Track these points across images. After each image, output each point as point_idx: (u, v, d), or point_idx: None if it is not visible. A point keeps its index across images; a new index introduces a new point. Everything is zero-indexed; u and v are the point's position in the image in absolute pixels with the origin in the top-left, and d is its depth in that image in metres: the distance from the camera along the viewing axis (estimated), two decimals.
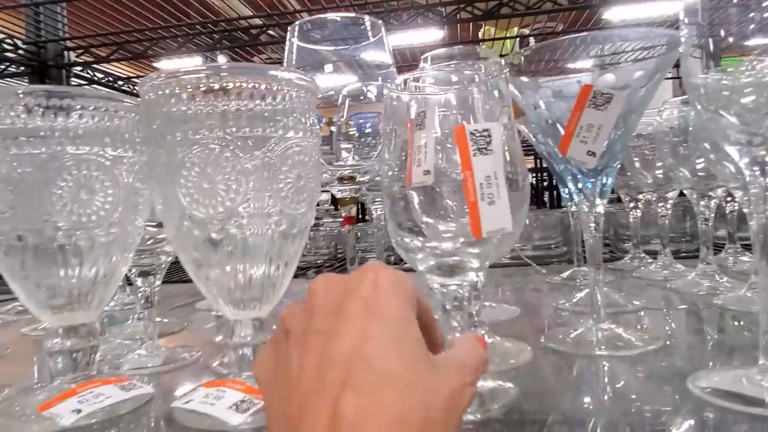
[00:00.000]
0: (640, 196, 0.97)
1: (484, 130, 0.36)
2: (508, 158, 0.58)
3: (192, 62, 1.93)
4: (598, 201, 0.53)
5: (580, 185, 0.54)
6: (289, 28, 0.60)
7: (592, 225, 0.53)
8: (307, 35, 0.60)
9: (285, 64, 0.60)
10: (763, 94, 0.41)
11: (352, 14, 0.61)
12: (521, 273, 1.02)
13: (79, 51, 1.29)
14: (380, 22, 0.61)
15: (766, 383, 0.37)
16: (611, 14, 1.63)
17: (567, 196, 0.90)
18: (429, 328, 0.28)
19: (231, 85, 0.36)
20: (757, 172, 0.40)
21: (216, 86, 0.36)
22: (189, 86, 0.36)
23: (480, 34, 1.75)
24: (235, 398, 0.38)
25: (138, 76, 1.52)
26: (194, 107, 0.36)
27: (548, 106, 0.53)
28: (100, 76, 1.43)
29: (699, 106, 0.44)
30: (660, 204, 0.89)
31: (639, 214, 0.99)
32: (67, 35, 1.31)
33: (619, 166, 0.69)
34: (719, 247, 0.94)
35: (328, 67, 0.59)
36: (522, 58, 0.53)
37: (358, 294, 0.24)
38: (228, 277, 0.38)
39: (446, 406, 0.22)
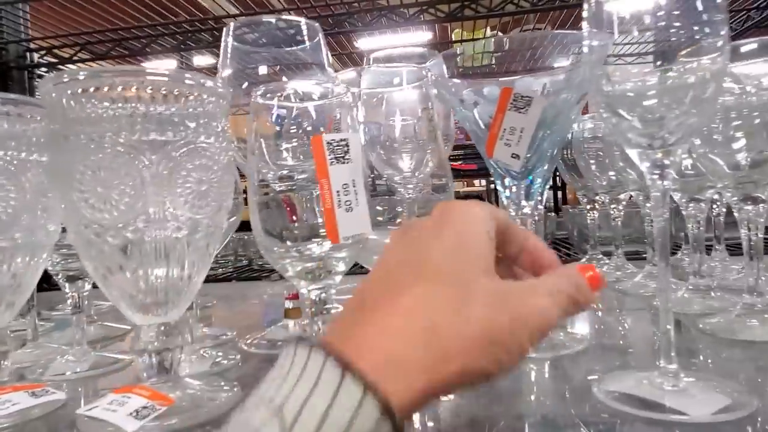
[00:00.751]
0: (597, 198, 0.97)
1: (342, 140, 0.36)
2: (434, 163, 0.59)
3: (160, 64, 1.92)
4: (524, 203, 0.53)
5: (507, 184, 0.54)
6: (224, 29, 0.59)
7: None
8: (243, 36, 0.60)
9: (219, 65, 0.60)
10: (665, 99, 0.42)
11: (289, 17, 0.60)
12: None
13: (42, 52, 1.28)
14: (317, 25, 0.61)
15: (667, 386, 0.37)
16: None
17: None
18: (524, 248, 0.29)
19: (135, 88, 0.36)
20: (656, 176, 0.40)
21: (119, 89, 0.36)
22: (90, 87, 0.36)
23: (453, 37, 1.75)
24: (138, 404, 0.38)
25: None
26: (93, 109, 0.35)
27: (474, 110, 0.53)
28: None
29: (603, 111, 0.44)
30: (612, 206, 0.90)
31: (596, 216, 0.99)
32: (30, 36, 1.29)
33: (549, 168, 0.69)
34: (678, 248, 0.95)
35: (263, 69, 0.59)
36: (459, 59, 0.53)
37: (430, 217, 0.27)
38: (129, 282, 0.38)
39: (495, 319, 0.23)
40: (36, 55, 1.30)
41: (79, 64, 1.38)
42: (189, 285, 0.40)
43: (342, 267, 0.41)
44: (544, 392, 0.42)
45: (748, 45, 0.50)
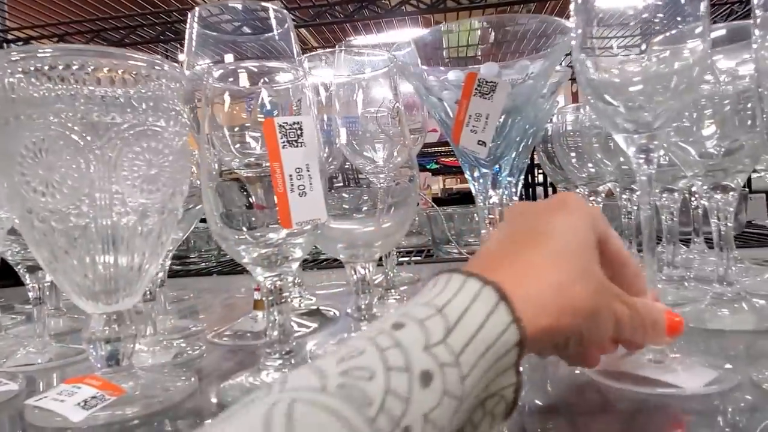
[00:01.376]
0: (577, 190, 0.96)
1: (295, 123, 0.35)
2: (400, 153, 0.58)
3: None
4: (491, 192, 0.53)
5: (476, 175, 0.53)
6: (189, 14, 0.58)
7: (489, 217, 0.53)
8: (209, 22, 0.58)
9: (185, 52, 0.58)
10: (650, 84, 0.41)
11: (257, 3, 0.59)
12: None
13: (19, 43, 1.26)
14: (286, 12, 0.60)
15: (654, 362, 0.36)
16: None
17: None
18: (620, 272, 0.32)
19: (77, 68, 0.35)
20: (642, 160, 0.40)
21: (61, 68, 0.35)
22: (33, 67, 0.35)
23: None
24: (87, 395, 0.37)
25: None
26: (34, 90, 0.34)
27: (441, 96, 0.52)
28: None
29: (590, 97, 0.44)
30: (591, 198, 0.89)
31: None
32: (6, 27, 1.27)
33: (520, 157, 0.69)
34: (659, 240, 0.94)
35: (229, 56, 0.58)
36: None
37: (553, 209, 0.31)
38: (76, 269, 0.36)
39: (595, 292, 0.28)
40: (13, 46, 1.28)
41: None
42: (140, 273, 0.39)
43: (299, 253, 0.41)
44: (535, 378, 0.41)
45: (717, 31, 0.49)
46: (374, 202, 0.58)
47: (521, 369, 0.24)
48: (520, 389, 0.24)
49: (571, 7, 0.46)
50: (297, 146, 0.37)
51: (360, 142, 0.62)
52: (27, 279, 0.54)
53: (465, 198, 2.89)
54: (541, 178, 2.39)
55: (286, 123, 0.36)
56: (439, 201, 2.23)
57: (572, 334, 0.27)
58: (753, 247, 1.07)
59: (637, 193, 0.76)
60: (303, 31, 1.73)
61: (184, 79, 0.41)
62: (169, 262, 0.63)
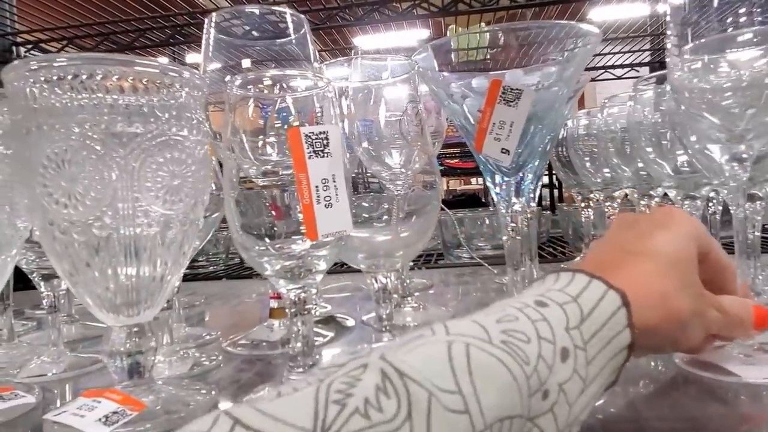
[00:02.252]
0: (592, 195, 0.95)
1: (321, 133, 0.35)
2: (421, 159, 0.57)
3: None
4: (514, 200, 0.52)
5: (498, 181, 0.52)
6: (206, 19, 0.57)
7: (511, 225, 0.52)
8: (226, 27, 0.58)
9: (202, 57, 0.58)
10: (741, 95, 0.42)
11: (273, 8, 0.58)
12: (473, 273, 1.00)
13: (29, 46, 1.26)
14: (303, 17, 0.59)
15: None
16: (595, 14, 1.62)
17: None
18: (719, 276, 0.36)
19: (101, 77, 0.34)
20: (736, 167, 0.42)
21: (84, 77, 0.34)
22: (56, 76, 0.34)
23: (448, 33, 1.73)
24: (108, 409, 0.36)
25: None
26: (57, 99, 0.34)
27: (463, 103, 0.51)
28: None
29: (683, 107, 0.44)
30: (607, 203, 0.88)
31: (591, 214, 0.98)
32: (16, 30, 1.27)
33: (541, 164, 0.68)
34: None
35: (246, 62, 0.57)
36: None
37: (656, 221, 0.34)
38: (97, 281, 0.36)
39: (698, 307, 0.31)
40: (22, 50, 1.28)
41: None
42: (162, 284, 0.38)
43: (323, 265, 0.40)
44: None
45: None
46: (400, 209, 0.57)
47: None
48: (614, 384, 0.27)
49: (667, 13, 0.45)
50: (323, 156, 0.36)
51: (377, 147, 0.61)
52: (42, 287, 0.53)
53: (470, 200, 2.88)
54: (546, 179, 2.38)
55: (312, 133, 0.35)
56: (443, 203, 2.22)
57: (668, 339, 0.30)
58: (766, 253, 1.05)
59: (655, 199, 0.75)
60: None
61: (206, 87, 0.40)
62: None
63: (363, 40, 1.80)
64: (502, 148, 0.48)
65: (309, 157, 0.35)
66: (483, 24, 1.54)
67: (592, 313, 0.25)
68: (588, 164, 0.91)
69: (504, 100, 0.46)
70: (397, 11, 1.14)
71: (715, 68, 0.44)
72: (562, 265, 0.99)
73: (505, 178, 0.52)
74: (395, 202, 0.61)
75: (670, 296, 0.29)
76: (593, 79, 1.97)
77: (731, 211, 0.52)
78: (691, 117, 0.46)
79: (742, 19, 0.45)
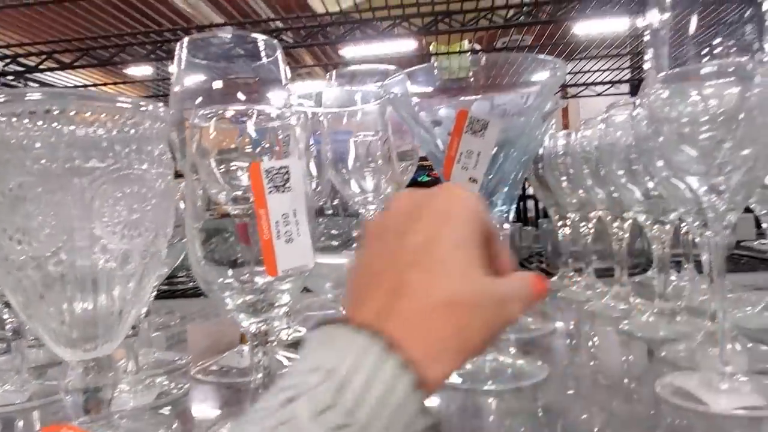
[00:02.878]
0: (569, 215, 0.96)
1: (282, 167, 0.34)
2: (389, 183, 0.57)
3: (136, 71, 1.89)
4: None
5: None
6: (178, 43, 0.57)
7: None
8: (198, 51, 0.58)
9: (173, 80, 0.57)
10: (716, 127, 0.42)
11: (247, 33, 0.58)
12: None
13: (7, 60, 1.25)
14: (276, 42, 0.59)
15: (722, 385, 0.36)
16: (580, 29, 1.64)
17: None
18: (494, 252, 0.30)
19: (59, 111, 0.34)
20: (714, 198, 0.43)
21: (43, 112, 0.34)
22: (9, 110, 0.34)
23: (431, 49, 1.75)
24: None
25: (76, 86, 1.48)
26: (11, 133, 0.33)
27: (432, 131, 0.51)
28: (35, 86, 1.38)
29: (661, 138, 0.44)
30: (582, 224, 0.89)
31: (568, 232, 0.99)
32: None
33: (514, 190, 0.68)
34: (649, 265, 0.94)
35: (218, 84, 0.57)
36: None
37: (433, 205, 0.28)
38: (51, 315, 0.35)
39: (490, 310, 0.26)
40: (0, 64, 1.27)
41: (46, 73, 1.35)
42: (122, 318, 0.38)
43: (286, 299, 0.39)
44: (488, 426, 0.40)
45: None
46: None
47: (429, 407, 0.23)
48: (438, 427, 0.23)
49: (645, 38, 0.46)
50: (284, 191, 0.36)
51: (349, 171, 0.61)
52: (5, 313, 0.52)
53: None
54: (531, 190, 2.39)
55: (273, 168, 0.35)
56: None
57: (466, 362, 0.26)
58: (743, 272, 1.06)
59: (628, 222, 0.76)
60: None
61: (169, 118, 0.40)
62: (154, 294, 0.61)
63: (350, 51, 1.81)
64: (470, 177, 0.49)
65: (269, 192, 0.35)
66: (466, 42, 1.55)
67: (354, 378, 0.21)
68: (564, 184, 0.92)
69: (471, 130, 0.47)
70: (377, 30, 1.15)
71: (690, 99, 0.45)
72: None
73: None
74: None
75: (468, 330, 0.25)
76: (574, 96, 1.99)
77: (698, 240, 0.53)
78: (670, 148, 0.46)
79: (717, 50, 0.46)
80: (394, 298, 0.25)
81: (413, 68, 0.53)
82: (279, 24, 1.18)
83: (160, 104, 0.40)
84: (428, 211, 0.27)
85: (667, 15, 0.44)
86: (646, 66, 0.46)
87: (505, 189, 0.64)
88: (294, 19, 1.17)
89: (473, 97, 0.49)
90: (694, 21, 0.43)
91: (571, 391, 0.46)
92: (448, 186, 0.29)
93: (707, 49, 0.43)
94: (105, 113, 0.35)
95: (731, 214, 0.53)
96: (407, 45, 1.64)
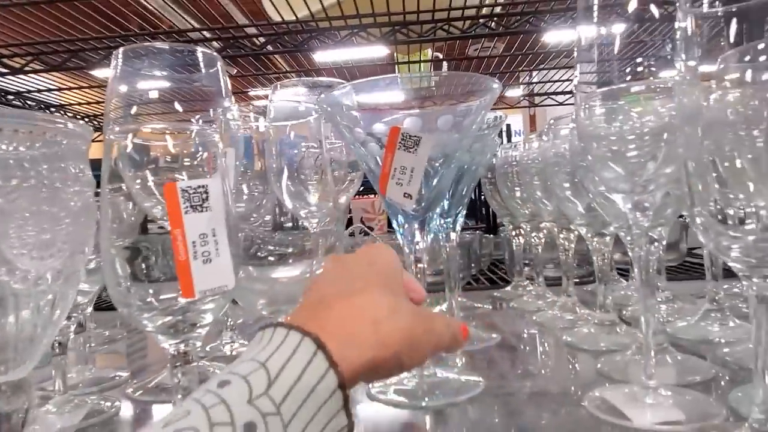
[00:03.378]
0: (522, 225, 0.97)
1: (200, 187, 0.34)
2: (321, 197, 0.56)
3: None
4: (418, 238, 0.52)
5: (401, 222, 0.53)
6: (114, 53, 0.56)
7: (417, 265, 0.52)
8: (136, 61, 0.57)
9: (108, 91, 0.56)
10: (643, 145, 0.43)
11: (185, 45, 0.58)
12: None
13: None
14: (216, 54, 0.59)
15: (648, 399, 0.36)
16: (549, 37, 1.65)
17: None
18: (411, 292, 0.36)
19: None
20: (639, 216, 0.44)
21: None
22: None
23: (396, 57, 1.75)
24: None
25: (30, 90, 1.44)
26: None
27: (366, 148, 0.51)
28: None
29: (590, 157, 0.44)
30: (533, 234, 0.90)
31: (522, 242, 1.00)
32: None
33: (457, 203, 0.68)
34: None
35: (153, 94, 0.56)
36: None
37: (357, 260, 0.35)
38: None
39: (408, 317, 0.31)
40: None
41: (31, 75, 1.31)
42: (34, 341, 0.36)
43: (209, 319, 0.39)
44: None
45: None
46: (302, 248, 0.56)
47: (353, 411, 0.26)
48: (351, 430, 0.26)
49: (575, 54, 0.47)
50: (202, 211, 0.35)
51: (296, 185, 0.61)
52: None
53: None
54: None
55: (190, 187, 0.35)
56: None
57: (395, 365, 0.30)
58: (694, 279, 1.09)
59: (574, 233, 0.77)
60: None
61: (90, 135, 0.39)
62: (89, 309, 0.60)
63: (322, 56, 1.80)
64: (405, 193, 0.49)
65: (185, 212, 0.34)
66: (429, 51, 1.56)
67: (282, 372, 0.24)
68: (517, 195, 0.93)
69: (404, 146, 0.47)
70: (335, 39, 1.15)
71: (617, 118, 0.46)
72: (494, 293, 1.00)
73: (411, 222, 0.52)
74: (312, 238, 0.61)
75: (383, 322, 0.29)
76: (536, 105, 2.03)
77: (630, 254, 0.54)
78: (598, 166, 0.47)
79: (639, 69, 0.47)
80: (319, 309, 0.30)
81: (357, 83, 0.53)
82: (253, 30, 1.16)
83: (81, 121, 0.39)
84: (354, 263, 0.35)
85: (594, 34, 0.45)
86: (574, 83, 0.47)
87: (445, 203, 0.64)
88: (264, 26, 1.16)
89: (405, 113, 0.49)
90: (618, 40, 0.44)
91: (498, 406, 0.46)
92: (368, 247, 0.37)
93: (631, 68, 0.44)
94: (14, 130, 0.34)
95: (662, 229, 0.55)
96: (380, 51, 1.64)
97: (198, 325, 0.38)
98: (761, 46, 0.35)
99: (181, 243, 0.34)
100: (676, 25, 0.36)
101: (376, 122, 0.49)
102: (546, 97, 1.87)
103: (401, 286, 0.34)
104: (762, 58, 0.35)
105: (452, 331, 0.34)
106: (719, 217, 0.35)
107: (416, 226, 0.52)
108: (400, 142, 0.47)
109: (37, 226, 0.34)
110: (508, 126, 2.28)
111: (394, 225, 0.53)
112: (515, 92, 2.19)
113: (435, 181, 0.51)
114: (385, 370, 0.29)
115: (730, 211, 0.35)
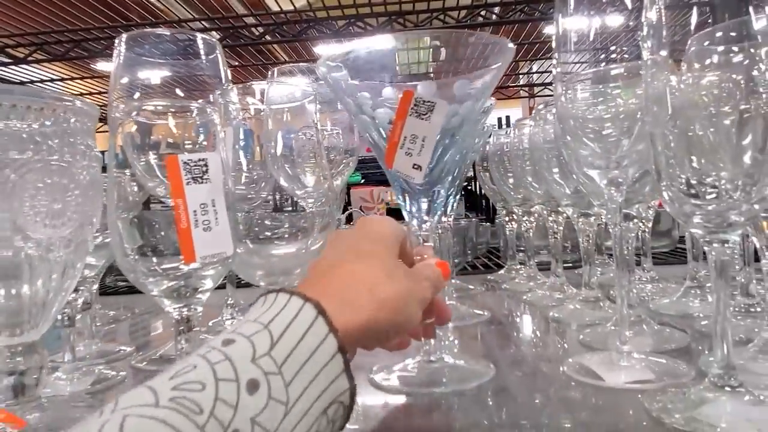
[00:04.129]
0: (514, 210, 1.00)
1: (200, 160, 0.37)
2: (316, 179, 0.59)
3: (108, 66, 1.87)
4: (426, 218, 0.50)
5: (408, 200, 0.50)
6: (117, 39, 0.59)
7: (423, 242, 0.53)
8: (138, 47, 0.59)
9: (112, 76, 0.59)
10: (619, 124, 0.45)
11: (186, 31, 0.60)
12: None
13: None
14: (215, 41, 0.61)
15: (622, 362, 0.39)
16: (549, 27, 1.67)
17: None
18: (406, 253, 0.41)
19: None
20: (613, 191, 0.47)
21: None
22: None
23: None
24: None
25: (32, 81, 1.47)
26: None
27: (373, 115, 0.47)
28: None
29: (568, 137, 0.47)
30: (525, 218, 0.92)
31: (514, 227, 1.02)
32: None
33: (456, 182, 0.70)
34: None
35: (156, 80, 0.59)
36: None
37: (355, 235, 0.38)
38: None
39: (401, 281, 0.34)
40: None
41: (33, 66, 1.34)
42: (46, 305, 0.39)
43: (209, 284, 0.41)
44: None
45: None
46: (298, 227, 0.59)
47: (353, 375, 0.27)
48: (354, 393, 0.27)
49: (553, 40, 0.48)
50: (202, 182, 0.38)
51: (292, 166, 0.64)
52: None
53: None
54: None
55: (191, 160, 0.37)
56: (393, 212, 2.24)
57: (390, 326, 0.32)
58: (683, 263, 1.11)
59: (562, 216, 0.80)
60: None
61: (97, 114, 0.41)
62: (95, 286, 0.62)
63: (323, 49, 1.82)
64: (414, 164, 0.46)
65: (187, 183, 0.37)
66: (428, 38, 1.58)
67: (284, 334, 0.26)
68: (511, 180, 0.95)
69: (416, 112, 0.44)
70: (332, 29, 1.17)
71: (595, 99, 0.48)
72: (488, 277, 1.02)
73: (417, 197, 0.49)
74: (308, 219, 0.64)
75: (379, 286, 0.32)
76: (535, 95, 2.04)
77: (610, 230, 0.56)
78: (575, 144, 0.49)
79: (613, 56, 0.49)
80: (319, 278, 0.33)
81: (357, 50, 0.49)
82: (251, 20, 1.19)
83: (87, 99, 0.41)
84: (351, 236, 0.37)
85: (570, 20, 0.47)
86: (553, 69, 0.49)
87: (448, 179, 0.59)
88: (262, 16, 1.19)
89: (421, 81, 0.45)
90: (594, 26, 0.46)
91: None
92: (364, 219, 0.40)
93: (604, 54, 0.47)
94: (27, 106, 0.36)
95: (640, 206, 0.57)
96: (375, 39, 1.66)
97: (199, 290, 0.41)
98: (719, 33, 0.38)
99: (183, 212, 0.37)
100: (643, 13, 0.38)
101: (384, 87, 0.46)
102: (545, 87, 1.89)
103: (395, 251, 0.37)
104: (722, 42, 0.37)
105: (435, 277, 0.38)
106: (683, 188, 0.37)
107: (423, 201, 0.49)
108: (412, 108, 0.44)
109: (49, 197, 0.37)
110: (507, 117, 2.30)
111: (400, 203, 0.51)
112: (515, 83, 2.21)
113: (441, 155, 0.48)
114: (383, 330, 0.32)
115: (693, 182, 0.37)
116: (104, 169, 0.43)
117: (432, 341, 0.48)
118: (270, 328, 0.26)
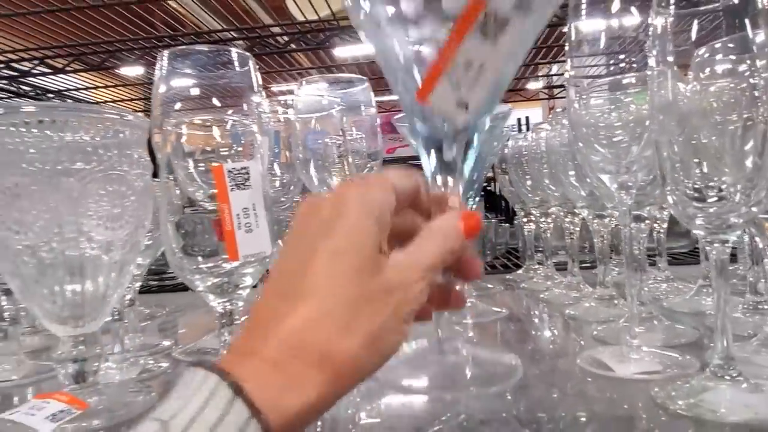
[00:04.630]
0: (532, 212, 1.02)
1: (243, 168, 0.40)
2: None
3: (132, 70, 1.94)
4: (449, 180, 0.36)
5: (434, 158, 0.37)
6: (158, 55, 0.63)
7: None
8: (178, 62, 0.64)
9: (154, 87, 0.63)
10: (630, 130, 0.48)
11: (220, 46, 0.65)
12: None
13: (0, 65, 1.30)
14: (248, 54, 0.66)
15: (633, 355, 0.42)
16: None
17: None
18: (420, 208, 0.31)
19: (51, 121, 0.40)
20: (623, 194, 0.50)
21: (36, 122, 0.40)
22: (11, 121, 0.40)
23: None
24: (55, 409, 0.41)
25: (69, 89, 1.53)
26: (11, 140, 0.39)
27: (403, 33, 0.33)
28: (27, 89, 1.44)
29: (580, 144, 0.50)
30: (542, 219, 0.95)
31: (533, 228, 1.05)
32: None
33: (475, 185, 0.73)
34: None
35: (195, 91, 0.63)
36: None
37: (319, 216, 0.27)
38: (46, 296, 0.41)
39: (383, 315, 0.25)
40: None
41: (60, 75, 1.40)
42: (105, 300, 0.44)
43: (249, 281, 0.45)
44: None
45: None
46: None
47: None
48: None
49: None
50: (244, 188, 0.42)
51: (319, 171, 0.68)
52: (3, 301, 0.58)
53: None
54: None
55: (234, 168, 0.41)
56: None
57: (364, 376, 0.25)
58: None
59: (578, 217, 0.82)
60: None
61: (147, 126, 0.46)
62: (138, 284, 0.67)
63: (342, 51, 1.87)
64: (460, 100, 0.33)
65: (231, 190, 0.41)
66: None
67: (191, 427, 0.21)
68: (528, 183, 0.98)
69: (482, 31, 0.31)
70: (355, 35, 1.21)
71: (608, 106, 0.52)
72: (507, 276, 1.05)
73: (449, 139, 0.36)
74: None
75: (334, 345, 0.24)
76: (555, 97, 2.06)
77: (621, 231, 0.59)
78: (587, 150, 0.52)
79: (622, 65, 0.52)
80: (271, 315, 0.25)
81: None
82: (277, 29, 1.23)
83: (140, 114, 0.46)
84: (320, 222, 0.27)
85: (583, 30, 0.50)
86: (566, 76, 0.52)
87: (482, 126, 0.41)
88: (287, 25, 1.23)
89: None
90: (605, 35, 0.50)
91: None
92: (346, 186, 0.28)
93: (614, 60, 0.50)
94: (90, 122, 0.41)
95: (651, 208, 0.60)
96: None
97: (240, 286, 0.45)
98: (731, 44, 0.40)
99: (227, 215, 0.41)
100: (650, 22, 0.41)
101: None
102: (563, 89, 1.90)
103: (374, 246, 0.26)
104: (726, 54, 0.40)
105: (448, 246, 0.28)
106: (688, 192, 0.40)
107: (455, 150, 0.36)
108: (479, 24, 0.31)
109: (110, 202, 0.41)
110: (527, 118, 2.31)
111: (423, 159, 0.39)
112: (535, 85, 2.22)
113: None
114: (340, 397, 0.25)
115: (698, 186, 0.40)
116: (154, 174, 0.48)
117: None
118: (170, 426, 0.21)
